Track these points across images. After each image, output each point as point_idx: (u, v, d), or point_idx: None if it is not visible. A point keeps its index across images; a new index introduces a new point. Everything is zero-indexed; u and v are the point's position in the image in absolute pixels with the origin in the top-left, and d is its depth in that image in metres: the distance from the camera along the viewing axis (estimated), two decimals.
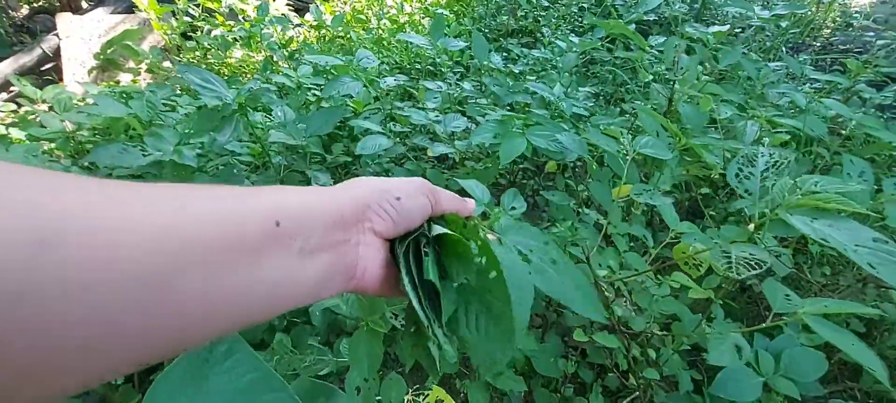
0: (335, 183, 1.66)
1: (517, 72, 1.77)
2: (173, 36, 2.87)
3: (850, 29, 3.22)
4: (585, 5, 2.97)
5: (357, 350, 0.67)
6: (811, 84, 1.99)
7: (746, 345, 0.69)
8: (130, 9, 3.51)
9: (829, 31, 3.13)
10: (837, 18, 3.20)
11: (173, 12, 2.90)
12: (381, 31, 3.21)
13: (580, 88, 2.03)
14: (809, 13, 3.21)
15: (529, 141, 1.18)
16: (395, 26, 3.21)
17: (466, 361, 1.33)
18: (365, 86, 1.76)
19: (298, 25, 2.97)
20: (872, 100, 1.83)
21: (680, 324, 1.14)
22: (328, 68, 1.90)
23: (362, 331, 0.68)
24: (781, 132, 1.29)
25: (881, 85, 2.21)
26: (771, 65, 1.81)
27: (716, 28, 1.87)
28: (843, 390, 1.31)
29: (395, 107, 1.86)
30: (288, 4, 4.23)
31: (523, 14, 2.95)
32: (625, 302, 0.92)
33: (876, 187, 1.10)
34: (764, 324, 0.75)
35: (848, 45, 2.95)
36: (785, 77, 1.74)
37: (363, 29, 3.31)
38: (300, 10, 4.39)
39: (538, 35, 2.96)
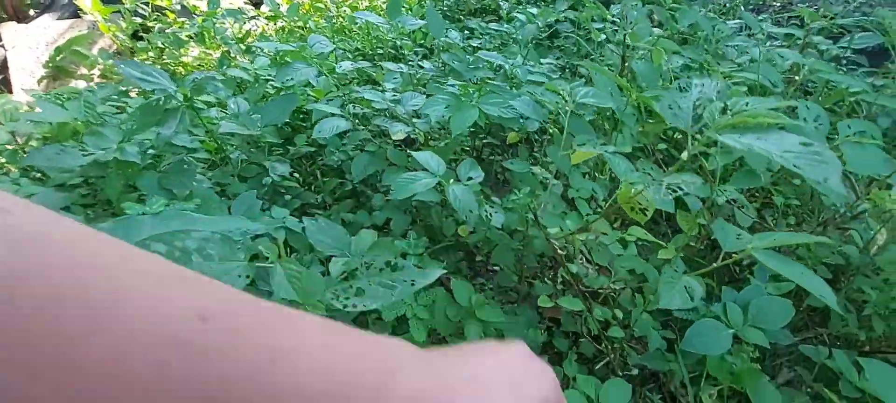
0: (297, 173, 1.60)
1: (476, 46, 1.73)
2: (123, 38, 2.75)
3: None
4: None
5: None
6: (770, 40, 2.00)
7: (698, 287, 0.67)
8: (77, 13, 3.36)
9: None
10: None
11: (121, 12, 2.78)
12: (340, 19, 3.14)
13: (542, 61, 2.00)
14: None
15: (482, 110, 1.15)
16: (353, 16, 3.14)
17: (437, 338, 1.30)
18: (320, 72, 1.70)
19: (253, 18, 2.87)
20: (829, 50, 1.85)
21: (648, 286, 1.13)
22: (282, 55, 1.83)
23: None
24: (740, 84, 1.28)
25: (838, 37, 2.23)
26: (729, 22, 1.80)
27: None
28: (813, 336, 1.32)
29: (354, 92, 1.81)
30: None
31: None
32: (582, 259, 0.90)
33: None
34: (715, 264, 0.73)
35: (808, 3, 2.98)
36: (743, 33, 1.73)
37: (322, 17, 3.23)
38: (258, 4, 4.26)
39: (501, 14, 2.92)
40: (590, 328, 1.19)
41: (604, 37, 1.44)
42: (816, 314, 1.33)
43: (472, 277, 1.65)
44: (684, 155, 0.64)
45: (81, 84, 2.83)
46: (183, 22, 2.90)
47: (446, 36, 1.73)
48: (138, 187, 1.31)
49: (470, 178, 1.03)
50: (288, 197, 1.69)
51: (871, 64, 1.99)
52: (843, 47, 1.85)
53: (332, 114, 1.51)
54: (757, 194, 1.64)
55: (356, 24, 3.07)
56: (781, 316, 1.10)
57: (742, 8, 2.36)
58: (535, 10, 2.04)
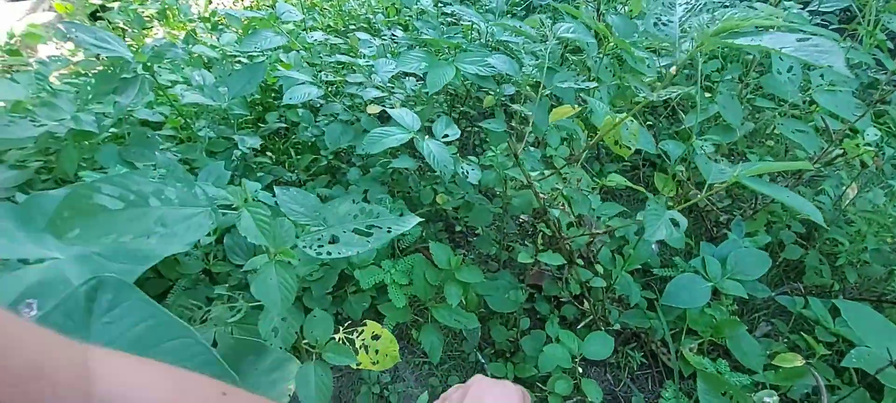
0: (270, 151, 1.54)
1: (449, 13, 1.69)
2: (81, 18, 2.61)
3: None
4: None
5: (266, 285, 0.60)
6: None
7: (683, 219, 0.66)
8: None
9: None
10: None
11: None
12: None
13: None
14: None
15: (459, 69, 1.11)
16: None
17: (419, 309, 1.27)
18: (289, 44, 1.64)
19: None
20: (799, 15, 1.86)
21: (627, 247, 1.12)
22: (250, 23, 1.76)
23: (270, 262, 0.60)
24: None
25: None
26: None
27: None
28: (789, 290, 1.34)
29: (326, 61, 1.75)
30: None
31: None
32: (561, 205, 0.88)
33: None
34: (694, 199, 0.72)
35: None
36: None
37: None
38: None
39: None
40: (571, 290, 1.18)
41: None
42: (792, 268, 1.35)
43: (453, 248, 1.63)
44: (673, 69, 0.62)
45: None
46: None
47: (418, 2, 1.69)
48: (97, 160, 1.24)
49: (445, 136, 1.00)
50: (260, 173, 1.63)
51: (841, 23, 2.02)
52: (812, 11, 1.87)
53: (304, 82, 1.46)
54: (733, 151, 1.66)
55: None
56: (758, 267, 1.10)
57: None
58: None
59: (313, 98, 1.41)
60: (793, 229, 1.33)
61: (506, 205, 1.12)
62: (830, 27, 1.75)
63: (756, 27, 0.55)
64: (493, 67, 1.10)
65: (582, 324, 1.21)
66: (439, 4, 2.04)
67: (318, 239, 0.69)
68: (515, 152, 0.75)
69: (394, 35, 1.80)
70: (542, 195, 0.82)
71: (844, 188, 1.31)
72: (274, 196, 1.61)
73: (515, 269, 1.45)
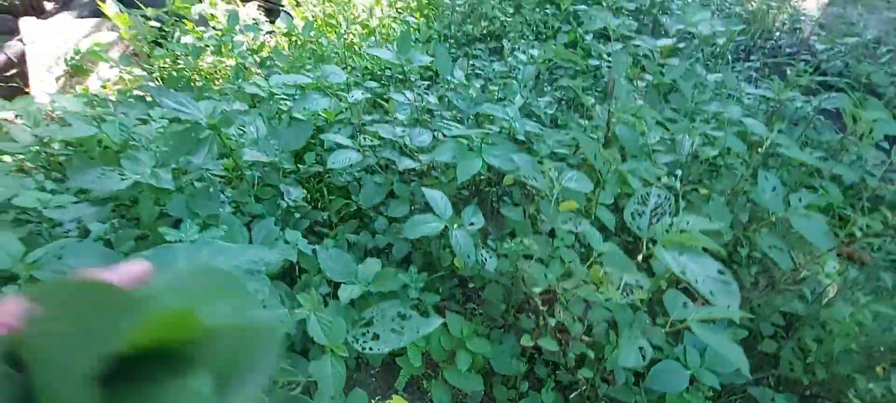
0: (309, 195, 1.75)
1: (479, 86, 1.87)
2: (142, 43, 2.87)
3: (798, 31, 3.42)
4: (549, 11, 3.09)
5: (324, 372, 0.78)
6: (748, 96, 2.15)
7: (649, 348, 0.81)
8: (97, 13, 3.47)
9: (779, 34, 3.32)
10: (787, 21, 3.39)
11: (145, 17, 2.90)
12: (351, 36, 3.27)
13: (541, 98, 2.15)
14: (759, 17, 3.40)
15: (485, 160, 1.29)
16: (366, 30, 3.27)
17: (431, 361, 1.44)
18: (335, 96, 1.84)
19: (269, 32, 3.00)
20: (803, 109, 2.00)
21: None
22: (293, 64, 1.96)
23: (328, 355, 0.78)
24: (710, 145, 1.43)
25: (817, 91, 2.39)
26: (710, 77, 1.94)
27: (663, 41, 2.01)
28: (766, 376, 1.47)
29: (364, 121, 1.95)
30: (259, 5, 4.23)
31: (489, 20, 3.04)
32: (560, 311, 1.04)
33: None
34: (666, 329, 0.88)
35: (794, 49, 3.14)
36: (723, 89, 1.89)
37: (334, 33, 3.36)
38: (271, 11, 4.39)
39: (505, 40, 3.06)
40: (567, 362, 1.34)
41: (592, 101, 1.58)
42: (768, 357, 1.48)
43: (464, 302, 1.79)
44: (639, 257, 0.79)
45: (97, 84, 2.95)
46: (201, 31, 3.02)
47: (452, 74, 1.87)
48: (167, 209, 1.44)
49: (472, 224, 1.18)
50: (298, 215, 1.82)
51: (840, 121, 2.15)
52: (813, 107, 2.01)
53: (345, 146, 1.65)
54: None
55: (365, 42, 3.20)
56: (734, 360, 1.25)
57: (729, 57, 2.51)
58: (535, 52, 2.18)
59: (353, 161, 1.60)
60: (772, 321, 1.47)
61: (515, 282, 1.29)
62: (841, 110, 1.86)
63: (683, 247, 0.70)
64: (515, 163, 1.28)
65: (575, 392, 1.37)
66: (470, 69, 2.23)
67: (364, 334, 0.86)
68: (523, 277, 0.92)
69: (425, 95, 1.99)
70: (542, 305, 0.99)
71: (825, 286, 1.45)
72: (310, 242, 1.80)
73: (518, 331, 1.61)
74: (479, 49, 3.05)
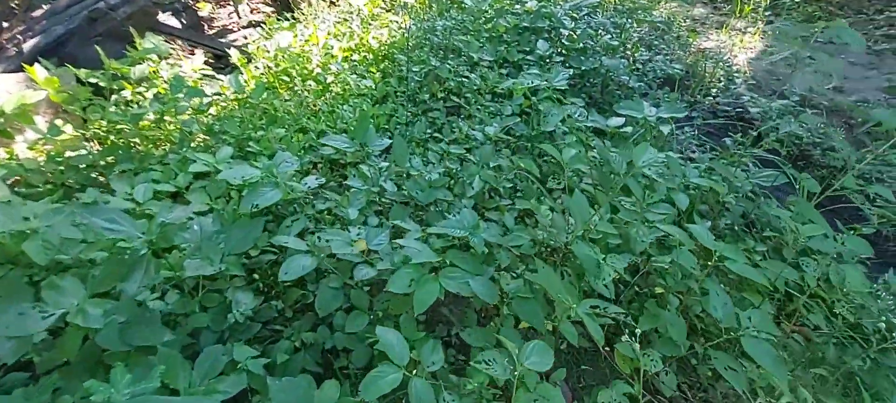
0: (262, 303, 1.63)
1: (437, 160, 1.85)
2: (74, 108, 2.67)
3: (733, 86, 3.64)
4: (504, 72, 3.14)
5: None
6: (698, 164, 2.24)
7: None
8: (22, 68, 3.22)
9: (715, 90, 3.52)
10: (722, 77, 3.61)
11: (79, 80, 2.71)
12: (306, 93, 3.19)
13: (499, 172, 2.16)
14: (698, 72, 3.60)
15: (442, 285, 1.26)
16: (321, 87, 3.20)
17: None
18: (287, 188, 1.76)
19: (217, 94, 2.87)
20: (747, 181, 2.10)
21: None
22: (243, 139, 1.87)
23: None
24: (662, 262, 1.47)
25: (766, 160, 2.52)
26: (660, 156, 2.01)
27: (613, 121, 2.07)
28: None
29: (318, 211, 1.88)
30: (206, 54, 4.07)
31: (447, 80, 3.05)
32: None
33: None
34: None
35: (729, 107, 3.34)
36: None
37: (288, 89, 3.27)
38: (220, 57, 4.23)
39: (462, 101, 3.08)
40: None
41: (549, 212, 1.60)
42: None
43: None
44: None
45: (22, 148, 2.71)
46: (141, 93, 2.86)
47: (409, 163, 1.84)
48: (97, 340, 1.31)
49: (432, 363, 1.14)
50: (247, 321, 1.70)
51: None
52: (754, 183, 2.11)
53: (298, 251, 1.58)
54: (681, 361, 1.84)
55: (322, 99, 3.13)
56: None
57: (675, 144, 2.62)
58: (491, 130, 2.19)
59: (308, 270, 1.53)
60: None
61: None
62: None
63: None
64: (470, 287, 1.25)
65: None
66: (424, 160, 2.21)
67: None
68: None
69: (382, 185, 1.95)
70: None
71: None
72: (262, 344, 1.69)
73: None
74: (437, 108, 3.04)
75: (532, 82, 1.84)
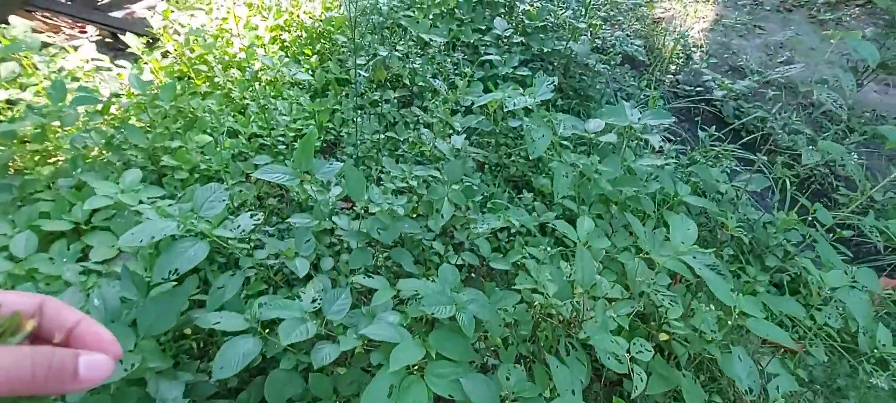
0: (196, 348, 1.26)
1: (397, 209, 1.55)
2: None
3: (690, 61, 3.55)
4: (459, 58, 2.82)
5: None
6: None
7: None
8: None
9: (675, 67, 3.41)
10: (680, 53, 3.50)
11: None
12: (230, 86, 2.70)
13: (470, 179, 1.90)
14: (657, 50, 3.47)
15: (430, 388, 1.01)
16: (246, 80, 2.73)
17: None
18: (213, 239, 1.42)
19: (115, 95, 2.34)
20: (731, 189, 1.98)
21: None
22: (163, 242, 1.46)
23: None
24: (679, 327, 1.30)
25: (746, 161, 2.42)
26: (642, 164, 1.84)
27: (593, 124, 1.85)
28: None
29: (260, 262, 1.54)
30: (99, 33, 3.38)
31: (398, 66, 2.69)
32: None
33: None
34: None
35: (691, 88, 3.24)
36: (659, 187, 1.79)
37: (207, 81, 2.76)
38: (117, 36, 3.54)
39: (414, 87, 2.74)
40: None
41: (523, 253, 1.37)
42: None
43: None
44: None
45: None
46: (11, 99, 2.28)
47: (367, 196, 1.54)
48: None
49: None
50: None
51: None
52: (737, 186, 2.01)
53: (235, 332, 1.26)
54: None
55: (249, 92, 2.67)
56: None
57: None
58: (458, 140, 1.91)
59: (252, 356, 1.22)
60: None
61: None
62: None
63: None
64: (463, 390, 1.02)
65: None
66: (383, 138, 1.90)
67: None
68: None
69: (334, 221, 1.63)
70: None
71: None
72: None
73: None
74: (387, 99, 2.69)
75: (513, 101, 1.56)
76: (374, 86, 2.74)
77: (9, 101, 2.33)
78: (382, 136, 2.39)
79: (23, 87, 2.39)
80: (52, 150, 2.24)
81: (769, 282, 1.89)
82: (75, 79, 2.49)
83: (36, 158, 2.22)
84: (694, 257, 1.15)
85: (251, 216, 1.58)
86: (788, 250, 1.95)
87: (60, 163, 2.20)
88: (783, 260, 1.77)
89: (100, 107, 2.22)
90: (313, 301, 1.30)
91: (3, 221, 1.81)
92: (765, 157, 2.10)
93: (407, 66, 2.61)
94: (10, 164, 2.18)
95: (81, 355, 0.40)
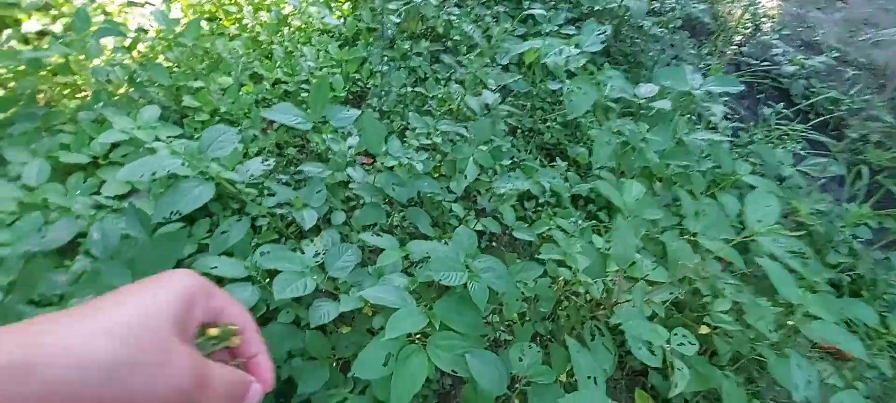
0: None
1: (416, 165, 1.42)
2: None
3: (759, 33, 3.20)
4: (499, 12, 2.61)
5: None
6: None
7: None
8: None
9: (740, 37, 3.07)
10: (748, 22, 3.14)
11: None
12: (258, 29, 2.61)
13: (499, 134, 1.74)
14: (722, 20, 3.13)
15: (431, 360, 0.90)
16: (274, 23, 2.61)
17: None
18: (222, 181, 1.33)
19: (141, 31, 2.28)
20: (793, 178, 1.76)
21: None
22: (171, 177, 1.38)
23: None
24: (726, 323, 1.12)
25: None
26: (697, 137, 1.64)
27: (647, 89, 1.64)
28: None
29: (267, 211, 1.45)
30: None
31: (433, 16, 2.51)
32: None
33: None
34: None
35: (757, 61, 2.91)
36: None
37: (236, 22, 2.67)
38: None
39: (448, 41, 2.57)
40: None
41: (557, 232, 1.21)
42: None
43: None
44: None
45: None
46: (44, 28, 2.25)
47: (385, 147, 1.42)
48: None
49: None
50: None
51: None
52: (806, 171, 1.77)
53: (236, 279, 1.18)
54: None
55: (278, 36, 2.57)
56: None
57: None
58: (490, 96, 1.74)
59: (250, 305, 1.14)
60: None
61: None
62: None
63: None
64: (468, 366, 0.90)
65: None
66: (404, 141, 1.77)
67: None
68: None
69: (349, 175, 1.51)
70: None
71: None
72: None
73: None
74: (419, 51, 2.53)
75: (555, 53, 1.37)
76: (405, 36, 2.58)
77: (41, 33, 2.33)
78: (411, 91, 2.24)
79: (54, 19, 2.37)
80: (81, 84, 2.22)
81: (826, 281, 1.67)
82: (106, 13, 2.45)
83: (64, 91, 2.21)
84: (775, 240, 0.97)
85: (263, 161, 1.49)
86: (854, 247, 1.71)
87: (87, 97, 2.18)
88: (852, 256, 1.55)
89: (127, 42, 2.17)
90: (316, 255, 1.20)
91: (25, 150, 1.79)
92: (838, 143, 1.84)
93: (442, 16, 2.43)
94: (40, 96, 2.18)
95: (253, 383, 0.43)
